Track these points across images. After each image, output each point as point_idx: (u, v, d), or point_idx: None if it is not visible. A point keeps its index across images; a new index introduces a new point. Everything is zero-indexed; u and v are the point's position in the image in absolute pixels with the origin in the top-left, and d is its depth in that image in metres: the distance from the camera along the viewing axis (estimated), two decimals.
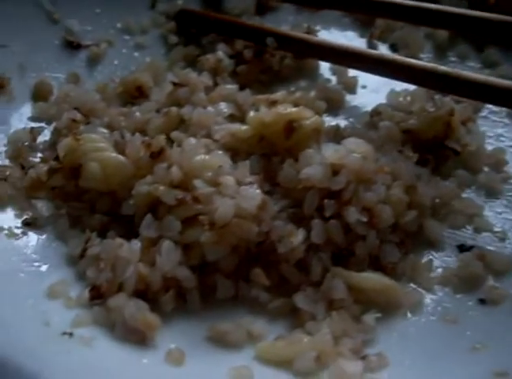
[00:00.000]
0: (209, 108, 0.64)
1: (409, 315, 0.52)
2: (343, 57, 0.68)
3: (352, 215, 0.53)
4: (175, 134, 0.61)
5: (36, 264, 0.53)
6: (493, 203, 0.61)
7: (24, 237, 0.55)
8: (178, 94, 0.66)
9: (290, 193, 0.56)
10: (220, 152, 0.58)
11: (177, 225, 0.53)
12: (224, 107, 0.65)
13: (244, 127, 0.60)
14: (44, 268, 0.53)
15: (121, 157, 0.58)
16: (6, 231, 0.55)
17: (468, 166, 0.63)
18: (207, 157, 0.56)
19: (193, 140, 0.59)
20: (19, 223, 0.56)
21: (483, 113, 0.68)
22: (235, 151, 0.60)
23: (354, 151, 0.56)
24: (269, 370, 0.47)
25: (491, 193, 0.61)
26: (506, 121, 0.67)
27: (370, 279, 0.52)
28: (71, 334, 0.46)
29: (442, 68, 0.64)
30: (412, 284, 0.54)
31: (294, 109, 0.59)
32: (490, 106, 0.68)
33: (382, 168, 0.57)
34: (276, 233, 0.54)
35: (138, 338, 0.48)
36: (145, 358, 0.46)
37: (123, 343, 0.47)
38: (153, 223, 0.54)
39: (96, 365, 0.44)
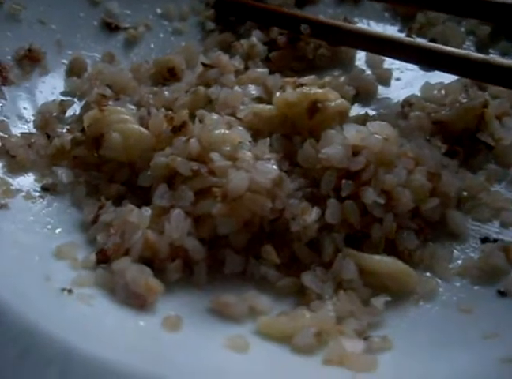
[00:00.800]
0: (237, 89, 0.64)
1: (422, 303, 0.50)
2: (377, 44, 0.67)
3: (369, 196, 0.52)
4: (200, 112, 0.61)
5: (49, 226, 0.54)
6: None
7: (41, 201, 0.56)
8: (208, 75, 0.66)
9: (309, 172, 0.55)
10: (241, 128, 0.57)
11: (190, 195, 0.52)
12: (253, 90, 0.65)
13: (269, 107, 0.60)
14: (57, 231, 0.54)
15: (143, 129, 0.58)
16: (24, 194, 0.55)
17: (500, 160, 0.61)
18: (227, 132, 0.56)
19: (215, 116, 0.59)
20: (38, 187, 0.57)
21: None
22: (258, 130, 0.59)
23: (377, 133, 0.54)
24: (266, 344, 0.45)
25: None
26: None
27: (384, 262, 0.50)
28: (70, 291, 0.46)
29: (480, 55, 0.62)
30: (428, 273, 0.52)
31: (319, 90, 0.58)
32: None
33: (406, 153, 0.55)
34: (290, 211, 0.53)
35: (139, 302, 0.47)
36: (143, 320, 0.46)
37: (122, 305, 0.47)
38: (167, 192, 0.54)
39: (90, 322, 0.44)
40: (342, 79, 0.66)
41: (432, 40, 0.74)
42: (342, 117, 0.59)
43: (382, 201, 0.52)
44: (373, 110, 0.67)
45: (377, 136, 0.54)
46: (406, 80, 0.70)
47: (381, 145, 0.53)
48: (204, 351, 0.43)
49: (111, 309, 0.46)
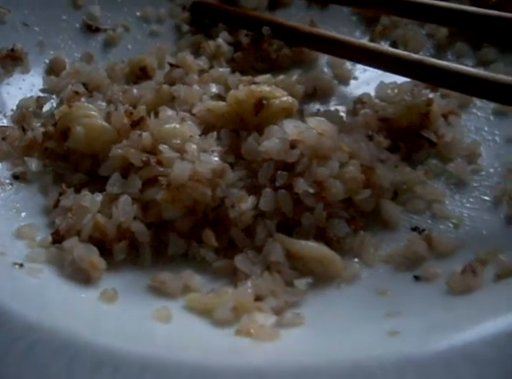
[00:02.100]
0: (196, 87, 0.69)
1: (343, 286, 0.54)
2: (333, 47, 0.71)
3: (301, 186, 0.57)
4: (162, 108, 0.67)
5: (15, 210, 0.60)
6: (458, 193, 0.62)
7: (10, 187, 0.62)
8: (173, 74, 0.72)
9: (251, 164, 0.61)
10: (190, 123, 0.63)
11: (138, 183, 0.58)
12: (213, 88, 0.70)
13: (222, 103, 0.65)
14: (22, 214, 0.60)
15: (105, 124, 0.64)
16: None
17: (441, 156, 0.65)
18: (178, 126, 0.62)
19: (169, 112, 0.64)
20: (9, 175, 0.63)
21: (471, 108, 0.69)
22: (211, 125, 0.65)
23: (314, 128, 0.59)
24: (190, 316, 0.50)
25: (459, 184, 0.62)
26: (491, 117, 0.68)
27: (310, 247, 0.55)
28: (21, 265, 0.52)
29: (430, 59, 0.66)
30: (356, 259, 0.57)
31: (267, 88, 0.63)
32: (478, 102, 0.69)
33: (341, 146, 0.60)
34: (230, 199, 0.58)
35: (83, 277, 0.53)
36: (84, 293, 0.52)
37: (68, 279, 0.53)
38: (119, 181, 0.59)
39: (34, 292, 0.50)
40: (294, 78, 0.71)
41: (394, 42, 0.78)
42: (288, 113, 0.64)
43: (311, 191, 0.57)
44: (330, 106, 0.71)
45: (313, 130, 0.59)
46: (364, 80, 0.74)
47: (316, 139, 0.58)
48: (132, 320, 0.49)
49: (57, 283, 0.52)
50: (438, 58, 0.72)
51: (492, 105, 0.68)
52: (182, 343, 0.45)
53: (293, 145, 0.58)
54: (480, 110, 0.69)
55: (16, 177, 0.63)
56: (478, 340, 0.40)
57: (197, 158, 0.58)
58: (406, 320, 0.47)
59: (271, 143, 0.59)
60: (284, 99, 0.63)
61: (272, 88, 0.63)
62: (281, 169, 0.58)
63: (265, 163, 0.59)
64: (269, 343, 0.46)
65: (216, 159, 0.59)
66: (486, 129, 0.67)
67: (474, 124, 0.68)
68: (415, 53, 0.73)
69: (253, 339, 0.46)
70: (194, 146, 0.60)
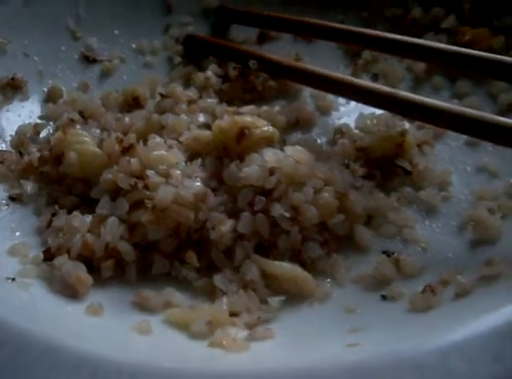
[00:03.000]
0: (184, 116, 0.75)
1: (315, 304, 0.59)
2: (315, 80, 0.77)
3: (277, 210, 0.62)
4: (151, 136, 0.73)
5: (9, 230, 0.65)
6: (428, 219, 0.67)
7: (7, 208, 0.68)
8: (163, 104, 0.78)
9: (232, 190, 0.66)
10: (176, 150, 0.68)
11: (125, 206, 0.64)
12: (201, 117, 0.76)
13: (207, 132, 0.71)
14: (16, 233, 0.65)
15: (97, 150, 0.69)
16: None
17: (414, 183, 0.70)
18: (164, 153, 0.67)
19: (158, 139, 0.70)
20: (5, 196, 0.69)
21: (444, 139, 0.75)
22: (197, 152, 0.70)
23: (291, 156, 0.65)
24: (168, 329, 0.55)
25: (430, 210, 0.67)
26: (463, 147, 0.73)
27: (283, 267, 0.60)
28: (13, 279, 0.58)
29: (403, 93, 0.71)
30: (328, 280, 0.62)
31: (248, 118, 0.69)
32: (452, 133, 0.74)
33: (316, 174, 0.65)
34: (211, 222, 0.63)
35: (71, 292, 0.58)
36: (71, 307, 0.57)
37: (56, 293, 0.58)
38: (108, 203, 0.65)
39: (24, 303, 0.55)
40: (276, 109, 0.77)
41: (375, 75, 0.84)
42: (269, 142, 0.69)
43: (287, 215, 0.62)
44: (310, 137, 0.77)
45: (290, 158, 0.65)
46: (345, 111, 0.80)
47: (292, 167, 0.64)
48: (113, 331, 0.54)
49: (46, 296, 0.57)
50: (417, 91, 0.80)
51: (465, 136, 0.73)
52: (159, 351, 0.50)
53: (271, 172, 0.64)
54: (453, 140, 0.74)
55: (12, 198, 0.69)
56: (426, 351, 0.44)
57: (181, 183, 0.64)
58: (367, 335, 0.51)
59: (251, 170, 0.64)
60: (265, 128, 0.69)
61: (254, 119, 0.69)
62: (260, 194, 0.64)
63: (245, 189, 0.64)
64: (238, 353, 0.51)
65: (199, 184, 0.65)
66: (458, 158, 0.72)
67: (447, 154, 0.73)
68: (395, 85, 0.80)
69: (224, 350, 0.51)
70: (179, 172, 0.65)
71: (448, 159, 0.73)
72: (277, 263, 0.61)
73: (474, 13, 0.84)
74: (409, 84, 0.82)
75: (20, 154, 0.73)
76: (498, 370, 0.42)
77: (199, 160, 0.68)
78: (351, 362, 0.44)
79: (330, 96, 0.81)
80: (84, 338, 0.50)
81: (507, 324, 0.45)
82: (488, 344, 0.44)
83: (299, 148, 0.67)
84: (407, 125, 0.74)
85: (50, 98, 0.81)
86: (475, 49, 0.73)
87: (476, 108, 0.68)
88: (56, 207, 0.67)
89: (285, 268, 0.60)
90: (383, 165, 0.71)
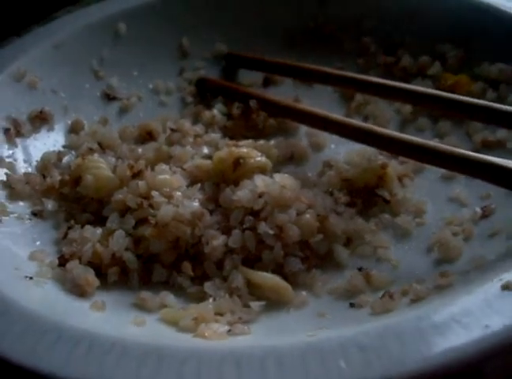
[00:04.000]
0: (189, 148, 0.88)
1: (292, 310, 0.70)
2: (311, 119, 0.90)
3: (263, 228, 0.74)
4: (160, 164, 0.85)
5: (31, 240, 0.78)
6: (402, 242, 0.77)
7: (29, 221, 0.80)
8: (173, 137, 0.92)
9: (226, 211, 0.78)
10: (179, 176, 0.81)
11: (132, 222, 0.76)
12: (205, 149, 0.89)
13: (208, 161, 0.84)
14: (37, 243, 0.78)
15: (111, 174, 0.82)
16: (16, 215, 0.79)
17: (392, 211, 0.81)
18: (168, 177, 0.80)
19: (164, 166, 0.83)
20: (28, 212, 0.82)
21: (423, 173, 0.86)
22: (198, 178, 0.83)
23: (278, 182, 0.77)
24: (160, 324, 0.67)
25: (404, 234, 0.78)
26: (440, 180, 0.84)
27: (266, 277, 0.71)
28: (31, 278, 0.69)
29: (389, 131, 0.83)
30: (306, 291, 0.73)
31: (244, 149, 0.82)
32: (430, 168, 0.85)
33: (300, 198, 0.77)
34: (206, 237, 0.75)
35: (79, 291, 0.70)
36: (78, 302, 0.69)
37: (67, 292, 0.70)
38: (117, 219, 0.77)
39: (40, 298, 0.67)
40: (272, 143, 0.89)
41: (366, 116, 0.96)
42: (262, 171, 0.81)
43: (271, 232, 0.73)
44: (302, 169, 0.89)
45: (277, 184, 0.76)
46: (336, 148, 0.92)
47: (279, 191, 0.75)
48: (114, 324, 0.65)
49: (58, 293, 0.69)
50: (403, 131, 0.91)
51: (442, 170, 0.84)
52: (149, 334, 0.62)
53: (260, 195, 0.76)
54: (431, 174, 0.85)
55: (34, 214, 0.82)
56: (367, 334, 0.55)
57: (182, 203, 0.76)
58: (328, 330, 0.62)
59: (242, 193, 0.76)
60: (259, 159, 0.81)
61: (249, 150, 0.82)
62: (249, 214, 0.75)
63: (237, 210, 0.76)
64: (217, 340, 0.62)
65: (197, 204, 0.77)
66: (434, 190, 0.83)
67: (424, 185, 0.84)
68: (383, 126, 0.91)
69: (206, 339, 0.62)
70: (180, 193, 0.78)
71: (425, 190, 0.83)
72: (260, 272, 0.72)
73: (456, 61, 0.96)
74: (397, 125, 0.94)
75: (44, 177, 0.86)
76: (426, 351, 0.52)
77: (199, 185, 0.80)
78: (305, 342, 0.55)
79: (324, 135, 0.92)
80: (85, 320, 0.62)
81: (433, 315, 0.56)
82: (422, 330, 0.54)
83: (286, 175, 0.79)
84: (391, 160, 0.86)
85: (73, 129, 0.95)
86: (456, 93, 0.85)
87: (454, 146, 0.79)
88: (72, 222, 0.80)
89: (267, 278, 0.71)
90: (365, 194, 0.83)
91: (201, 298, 0.71)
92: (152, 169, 0.82)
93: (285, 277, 0.73)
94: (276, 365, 0.52)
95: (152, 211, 0.76)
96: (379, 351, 0.53)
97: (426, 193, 0.83)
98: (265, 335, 0.65)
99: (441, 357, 0.52)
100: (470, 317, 0.55)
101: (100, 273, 0.74)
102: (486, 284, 0.59)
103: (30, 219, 0.81)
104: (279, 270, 0.74)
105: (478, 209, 0.78)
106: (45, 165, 0.88)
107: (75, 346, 0.56)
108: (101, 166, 0.83)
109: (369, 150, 0.86)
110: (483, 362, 0.52)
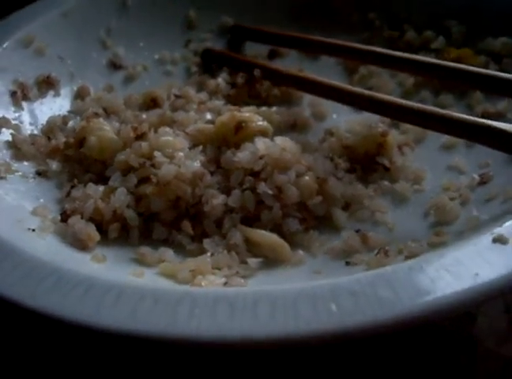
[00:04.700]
0: (193, 113, 0.90)
1: (289, 268, 0.71)
2: (314, 87, 0.91)
3: (262, 188, 0.75)
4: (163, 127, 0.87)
5: (34, 197, 0.79)
6: (399, 207, 0.78)
7: (33, 180, 0.81)
8: (177, 103, 0.93)
9: (227, 172, 0.79)
10: (182, 138, 0.82)
11: (134, 180, 0.77)
12: (208, 115, 0.90)
13: (210, 125, 0.85)
14: (40, 200, 0.79)
15: (115, 136, 0.84)
16: (21, 173, 0.81)
17: (391, 178, 0.82)
18: (171, 138, 0.81)
19: (167, 129, 0.84)
20: (33, 172, 0.83)
21: (424, 142, 0.87)
22: (200, 142, 0.84)
23: (279, 145, 0.78)
24: (158, 277, 0.68)
25: (402, 200, 0.79)
26: (440, 150, 0.85)
27: (264, 235, 0.72)
28: (33, 230, 0.71)
29: (390, 97, 0.84)
30: (303, 250, 0.74)
31: (246, 114, 0.83)
32: (431, 137, 0.86)
33: (300, 161, 0.78)
34: (206, 197, 0.77)
35: (81, 245, 0.71)
36: (78, 254, 0.70)
37: (68, 245, 0.72)
38: (119, 177, 0.79)
39: (41, 249, 0.68)
40: (273, 109, 0.91)
41: (368, 88, 0.97)
42: (263, 134, 0.82)
43: (270, 192, 0.75)
44: (304, 137, 0.90)
45: (278, 146, 0.78)
46: (338, 118, 0.93)
47: (279, 153, 0.77)
48: (115, 275, 0.66)
49: (59, 245, 0.70)
50: None
51: (442, 140, 0.85)
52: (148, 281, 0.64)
53: (261, 157, 0.77)
54: (432, 143, 0.86)
55: (38, 173, 0.83)
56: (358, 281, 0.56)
57: (183, 163, 0.78)
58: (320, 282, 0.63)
59: (243, 155, 0.77)
60: (260, 123, 0.82)
61: (251, 114, 0.83)
62: (249, 175, 0.77)
63: (237, 171, 0.77)
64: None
65: (198, 165, 0.78)
66: (433, 158, 0.84)
67: (424, 154, 0.85)
68: None
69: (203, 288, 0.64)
70: (182, 154, 0.79)
71: (424, 159, 0.84)
72: (258, 230, 0.73)
73: (460, 36, 0.97)
74: (399, 97, 0.94)
75: (49, 139, 0.88)
76: (416, 297, 0.53)
77: (200, 147, 0.81)
78: (298, 288, 0.56)
79: (327, 104, 0.94)
80: (84, 266, 0.64)
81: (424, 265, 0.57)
82: (413, 278, 0.55)
83: (287, 138, 0.80)
84: (392, 129, 0.87)
85: (79, 95, 0.97)
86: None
87: None
88: (75, 181, 0.81)
89: (265, 236, 0.73)
90: (365, 161, 0.84)
91: (200, 254, 0.72)
92: (156, 132, 0.83)
93: (283, 237, 0.74)
94: (268, 306, 0.54)
95: (154, 170, 0.77)
96: (370, 297, 0.54)
97: (425, 161, 0.84)
98: (261, 286, 0.66)
99: (431, 303, 0.53)
100: (460, 266, 0.56)
101: (101, 230, 0.75)
102: (477, 238, 0.60)
103: (34, 178, 0.82)
104: (277, 230, 0.75)
105: (476, 176, 0.79)
106: (50, 128, 0.90)
107: (73, 288, 0.57)
108: (105, 129, 0.85)
109: (370, 119, 0.87)
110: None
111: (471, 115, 0.86)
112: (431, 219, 0.75)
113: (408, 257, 0.66)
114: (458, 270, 0.55)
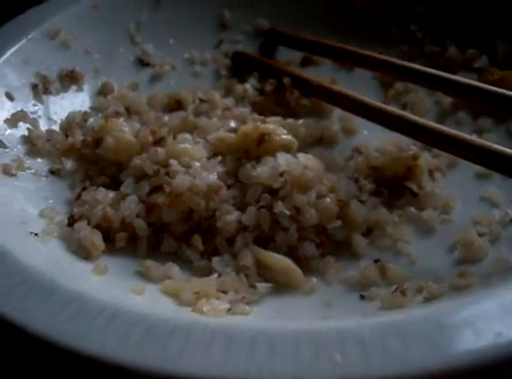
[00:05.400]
0: (216, 120, 0.85)
1: (299, 296, 0.66)
2: (345, 102, 0.86)
3: (279, 208, 0.70)
4: (182, 133, 0.82)
5: (44, 197, 0.75)
6: (424, 237, 0.73)
7: (45, 179, 0.78)
8: (201, 107, 0.88)
9: (244, 187, 0.74)
10: (201, 146, 0.78)
11: (146, 188, 0.73)
12: (232, 123, 0.86)
13: (232, 135, 0.80)
14: (49, 201, 0.75)
15: (133, 138, 0.79)
16: (33, 171, 0.78)
17: (419, 204, 0.76)
18: (189, 146, 0.77)
19: (187, 135, 0.80)
20: (46, 170, 0.80)
21: (456, 168, 0.81)
22: (220, 151, 0.79)
23: (301, 162, 0.73)
24: (160, 295, 0.64)
25: (428, 230, 0.73)
26: (474, 178, 0.79)
27: (276, 258, 0.67)
28: (36, 234, 0.67)
29: (424, 120, 0.78)
30: (317, 277, 0.69)
31: (270, 126, 0.78)
32: (464, 163, 0.80)
33: (322, 180, 0.73)
34: (220, 212, 0.72)
35: (84, 253, 0.68)
36: (80, 264, 0.66)
37: (71, 252, 0.68)
38: (132, 184, 0.75)
39: (41, 256, 0.64)
40: (300, 122, 0.85)
41: (403, 105, 0.91)
42: (287, 149, 0.77)
43: (287, 213, 0.70)
44: (330, 153, 0.85)
45: (300, 164, 0.73)
46: (368, 135, 0.88)
47: (300, 171, 0.72)
48: (112, 290, 0.62)
49: (61, 252, 0.67)
50: (441, 124, 0.86)
51: (477, 167, 0.79)
52: (146, 303, 0.59)
53: (281, 174, 0.72)
54: (465, 170, 0.80)
55: (52, 172, 0.79)
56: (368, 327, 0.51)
57: (199, 174, 0.73)
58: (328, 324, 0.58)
59: (262, 170, 0.72)
60: (284, 136, 0.77)
61: (275, 127, 0.78)
62: (267, 192, 0.72)
63: (255, 186, 0.72)
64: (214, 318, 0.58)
65: (215, 177, 0.73)
66: (466, 187, 0.78)
67: (456, 182, 0.79)
68: (420, 116, 0.86)
69: (203, 315, 0.59)
70: (199, 164, 0.74)
71: (456, 186, 0.78)
72: (271, 253, 0.68)
73: (505, 57, 0.90)
74: (435, 117, 0.89)
75: (66, 136, 0.84)
76: (430, 353, 0.48)
77: (219, 158, 0.76)
78: (301, 328, 0.51)
79: (357, 120, 0.88)
80: (82, 284, 0.59)
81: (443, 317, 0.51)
82: (427, 332, 0.50)
83: (310, 156, 0.75)
84: (424, 152, 0.81)
85: (102, 92, 0.93)
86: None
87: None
88: (87, 183, 0.77)
89: (278, 259, 0.68)
90: (392, 185, 0.78)
91: (208, 273, 0.68)
92: (175, 137, 0.79)
93: (297, 261, 0.69)
94: (266, 347, 0.49)
95: (168, 179, 0.73)
96: (378, 348, 0.48)
97: (457, 189, 0.78)
98: (266, 318, 0.61)
99: (443, 361, 0.47)
100: (482, 322, 0.50)
101: (109, 238, 0.71)
102: (504, 288, 0.54)
103: (46, 177, 0.79)
104: (292, 253, 0.70)
105: (510, 211, 0.73)
106: (69, 124, 0.86)
107: (63, 307, 0.53)
108: (123, 130, 0.81)
109: (403, 139, 0.81)
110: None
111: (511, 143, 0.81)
112: (456, 255, 0.69)
113: (427, 299, 0.61)
114: (479, 326, 0.49)
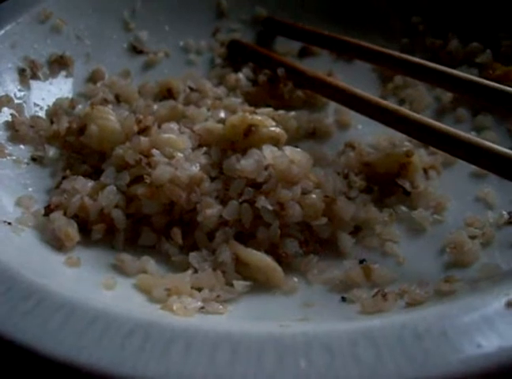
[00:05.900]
0: (204, 109, 0.81)
1: (278, 295, 0.63)
2: (341, 96, 0.81)
3: (262, 203, 0.66)
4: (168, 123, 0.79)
5: (23, 185, 0.72)
6: (413, 238, 0.69)
7: (26, 166, 0.75)
8: (191, 96, 0.85)
9: (228, 179, 0.71)
10: (186, 137, 0.74)
11: (126, 178, 0.70)
12: (221, 113, 0.82)
13: (219, 125, 0.77)
14: (29, 189, 0.72)
15: (117, 127, 0.76)
16: (15, 157, 0.74)
17: (410, 203, 0.72)
18: (173, 136, 0.73)
19: (172, 125, 0.76)
20: (28, 156, 0.76)
21: (452, 167, 0.77)
22: (206, 142, 0.76)
23: (287, 156, 0.69)
24: (131, 290, 0.60)
25: (418, 230, 0.70)
26: (469, 178, 0.75)
27: (255, 255, 0.64)
28: (10, 223, 0.64)
29: (421, 117, 0.74)
30: (298, 277, 0.65)
31: (258, 117, 0.74)
32: (461, 162, 0.76)
33: (308, 176, 0.69)
34: (201, 205, 0.68)
35: (58, 244, 0.65)
36: (52, 255, 0.63)
37: (44, 243, 0.65)
38: (113, 174, 0.71)
39: (13, 246, 0.61)
40: (291, 114, 0.81)
41: (402, 100, 0.87)
42: (275, 142, 0.73)
43: (270, 208, 0.66)
44: (321, 147, 0.81)
45: (286, 157, 0.69)
46: (363, 130, 0.84)
47: (286, 165, 0.68)
48: (84, 283, 0.59)
49: (34, 243, 0.64)
50: (439, 120, 0.81)
51: (473, 167, 0.75)
52: (114, 298, 0.56)
53: (266, 167, 0.68)
54: (461, 169, 0.75)
55: (33, 159, 0.76)
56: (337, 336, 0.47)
57: (181, 165, 0.70)
58: (304, 324, 0.54)
59: (247, 163, 0.69)
60: (273, 129, 0.74)
61: (264, 118, 0.74)
62: (251, 186, 0.68)
63: (237, 179, 0.69)
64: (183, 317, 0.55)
65: (197, 169, 0.70)
66: (460, 187, 0.74)
67: (451, 181, 0.75)
68: (419, 112, 0.82)
69: (172, 313, 0.56)
70: (182, 155, 0.71)
71: (451, 185, 0.74)
72: (250, 250, 0.64)
73: (509, 52, 0.86)
74: (434, 113, 0.85)
75: (51, 122, 0.81)
76: (403, 363, 0.44)
77: (204, 149, 0.73)
78: (267, 333, 0.47)
79: (352, 114, 0.84)
80: (52, 278, 0.56)
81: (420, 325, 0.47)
82: (403, 340, 0.46)
83: (298, 150, 0.71)
84: (419, 149, 0.77)
85: (92, 79, 0.90)
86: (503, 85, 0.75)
87: (492, 142, 0.69)
88: (68, 172, 0.74)
89: (257, 257, 0.64)
90: (384, 182, 0.74)
91: (185, 268, 0.65)
92: (160, 127, 0.76)
93: (279, 259, 0.66)
94: (228, 354, 0.45)
95: (149, 170, 0.69)
96: (347, 356, 0.45)
97: (451, 188, 0.74)
98: (240, 317, 0.58)
99: (418, 370, 0.44)
100: (462, 334, 0.46)
101: (85, 229, 0.68)
102: (489, 298, 0.50)
103: (28, 164, 0.76)
104: (273, 251, 0.67)
105: (505, 213, 0.69)
106: (56, 110, 0.83)
107: (21, 301, 0.50)
108: (108, 118, 0.77)
109: (398, 135, 0.77)
110: None
111: (510, 142, 0.77)
112: (445, 258, 0.66)
113: (408, 304, 0.57)
114: (458, 337, 0.46)
